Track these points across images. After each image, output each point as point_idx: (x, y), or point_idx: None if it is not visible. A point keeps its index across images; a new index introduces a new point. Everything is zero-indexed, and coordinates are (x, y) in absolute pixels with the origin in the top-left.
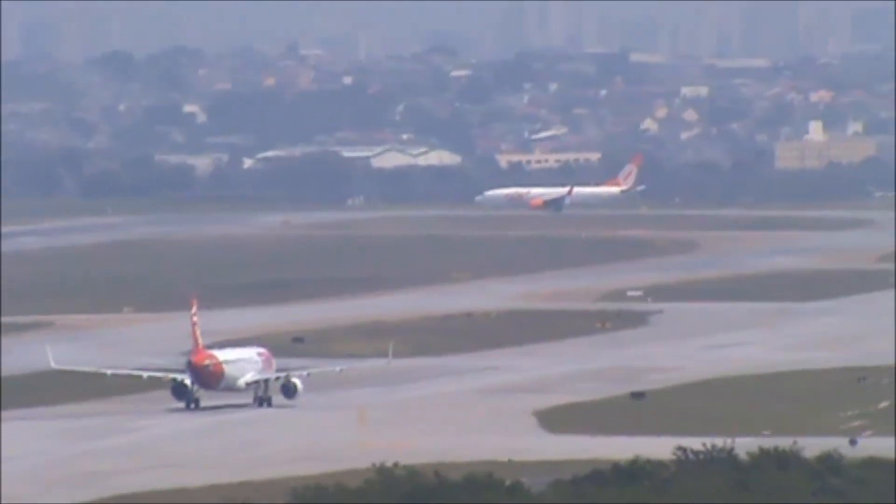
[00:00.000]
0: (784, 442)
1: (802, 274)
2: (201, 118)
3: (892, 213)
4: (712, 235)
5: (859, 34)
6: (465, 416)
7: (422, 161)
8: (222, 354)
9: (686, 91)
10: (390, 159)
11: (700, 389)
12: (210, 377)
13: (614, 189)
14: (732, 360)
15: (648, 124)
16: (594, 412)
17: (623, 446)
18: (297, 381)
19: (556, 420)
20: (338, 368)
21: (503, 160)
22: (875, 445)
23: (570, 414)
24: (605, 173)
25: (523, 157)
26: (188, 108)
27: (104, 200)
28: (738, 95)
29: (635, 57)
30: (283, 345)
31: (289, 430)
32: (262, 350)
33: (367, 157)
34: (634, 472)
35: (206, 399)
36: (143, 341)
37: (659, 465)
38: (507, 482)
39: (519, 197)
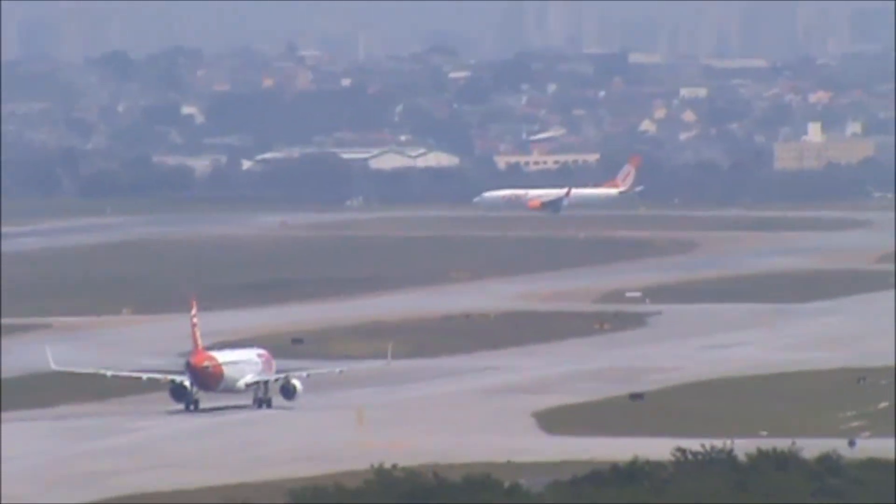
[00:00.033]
0: (783, 443)
1: (801, 274)
2: (200, 119)
3: (891, 214)
4: (711, 236)
5: (858, 35)
6: (464, 416)
7: (420, 162)
8: (222, 356)
9: (685, 92)
10: (389, 160)
11: (699, 390)
12: (209, 379)
13: (612, 190)
14: (731, 360)
15: (647, 125)
16: (593, 413)
17: (622, 447)
18: (296, 382)
19: (554, 421)
20: (337, 370)
21: (501, 161)
22: (874, 446)
23: (569, 415)
24: (604, 174)
25: (522, 159)
26: (187, 109)
27: (103, 201)
28: (737, 96)
29: (634, 58)
30: (282, 346)
31: (288, 430)
32: (261, 351)
33: (366, 159)
34: (633, 473)
35: (206, 400)
36: (142, 342)
37: (658, 465)
38: (506, 483)
39: (517, 198)
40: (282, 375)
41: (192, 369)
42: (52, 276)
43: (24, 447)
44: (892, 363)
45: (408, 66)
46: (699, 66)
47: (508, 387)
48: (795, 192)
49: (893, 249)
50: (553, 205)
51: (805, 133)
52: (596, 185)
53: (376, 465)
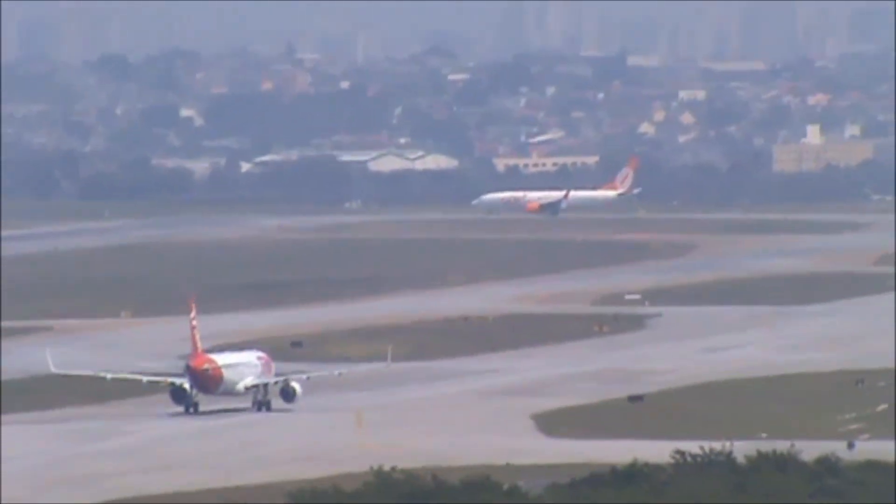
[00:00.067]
0: (782, 445)
1: (800, 276)
2: (198, 121)
3: (890, 216)
4: (710, 238)
5: (857, 36)
6: (463, 418)
7: (419, 164)
8: (221, 358)
9: (683, 94)
10: (387, 163)
11: (698, 392)
12: (209, 381)
13: (611, 192)
14: (731, 362)
15: (646, 127)
16: (592, 415)
17: (621, 449)
18: (296, 385)
19: (553, 423)
20: (337, 372)
21: (500, 164)
22: (873, 448)
23: (568, 417)
24: (603, 176)
25: (521, 161)
26: (185, 112)
27: (102, 203)
28: (736, 98)
29: (633, 60)
30: (281, 348)
31: (287, 432)
32: (261, 354)
33: (365, 161)
34: (632, 475)
35: (206, 403)
36: (142, 345)
37: (657, 468)
38: (505, 485)
39: (515, 200)
40: (281, 378)
41: (191, 372)
42: (51, 279)
43: (23, 449)
44: (891, 365)
45: (406, 68)
46: (698, 69)
47: (507, 389)
48: (794, 194)
49: (892, 251)
50: (551, 207)
51: (804, 135)
52: (594, 188)
53: (375, 467)
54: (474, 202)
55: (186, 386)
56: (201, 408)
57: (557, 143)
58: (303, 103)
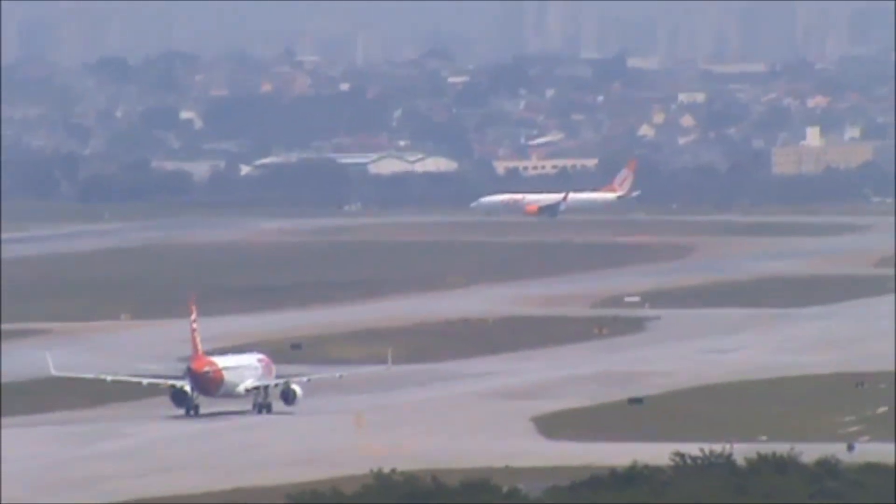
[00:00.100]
0: (782, 447)
1: (800, 278)
2: (198, 124)
3: (890, 218)
4: (709, 240)
5: (856, 37)
6: (463, 421)
7: (419, 167)
8: (222, 361)
9: (683, 96)
10: (387, 165)
11: (698, 394)
12: (210, 384)
13: (610, 195)
14: (730, 365)
15: (646, 130)
16: (592, 418)
17: (621, 451)
18: (296, 387)
19: (553, 425)
20: (337, 374)
21: (500, 166)
22: (872, 451)
23: (568, 419)
24: (603, 179)
25: (520, 163)
26: (185, 114)
27: (101, 206)
28: (735, 100)
29: (632, 62)
30: (280, 351)
31: (286, 434)
32: (261, 356)
33: (364, 164)
34: (632, 478)
35: (206, 405)
36: (141, 347)
37: (657, 470)
38: (505, 488)
39: (514, 203)
40: (282, 380)
41: (192, 374)
42: (51, 281)
43: (23, 451)
44: (891, 368)
45: (406, 70)
46: (697, 71)
47: (507, 391)
48: (794, 196)
49: (892, 253)
50: (550, 209)
51: (803, 137)
52: (593, 190)
53: (375, 470)
54: (473, 204)
55: (187, 388)
56: (202, 410)
57: (557, 145)
58: (302, 105)
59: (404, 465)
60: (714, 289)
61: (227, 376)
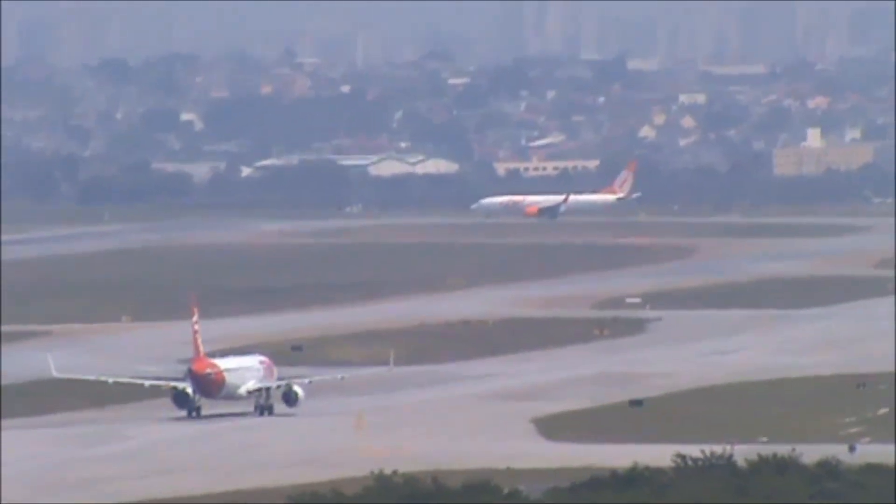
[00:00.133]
0: (783, 448)
1: (800, 280)
2: (198, 125)
3: (890, 219)
4: (710, 241)
5: (857, 38)
6: (464, 422)
7: (419, 169)
8: (224, 363)
9: (683, 98)
10: (387, 167)
11: (699, 396)
12: (211, 385)
13: (610, 196)
14: (731, 366)
15: (646, 131)
16: (592, 419)
17: (621, 453)
18: (298, 389)
19: (554, 427)
20: (339, 376)
21: (501, 168)
22: (874, 452)
23: (569, 421)
24: (604, 180)
25: (521, 165)
26: (185, 116)
27: (101, 207)
28: (735, 102)
29: (632, 64)
30: (281, 353)
31: (287, 436)
32: (263, 358)
33: (365, 165)
34: (633, 479)
35: (208, 407)
36: (142, 349)
37: (657, 471)
38: (505, 489)
39: (514, 204)
40: (283, 382)
41: (193, 376)
42: (51, 283)
43: (24, 453)
44: (892, 369)
45: (406, 72)
46: (698, 72)
47: (508, 393)
48: (794, 197)
49: (893, 255)
50: (550, 211)
51: (804, 138)
52: (594, 192)
53: (375, 471)
54: (473, 206)
55: (189, 390)
56: (203, 412)
57: (558, 146)
58: (303, 107)
59: (405, 466)
60: (715, 290)
61: (229, 378)
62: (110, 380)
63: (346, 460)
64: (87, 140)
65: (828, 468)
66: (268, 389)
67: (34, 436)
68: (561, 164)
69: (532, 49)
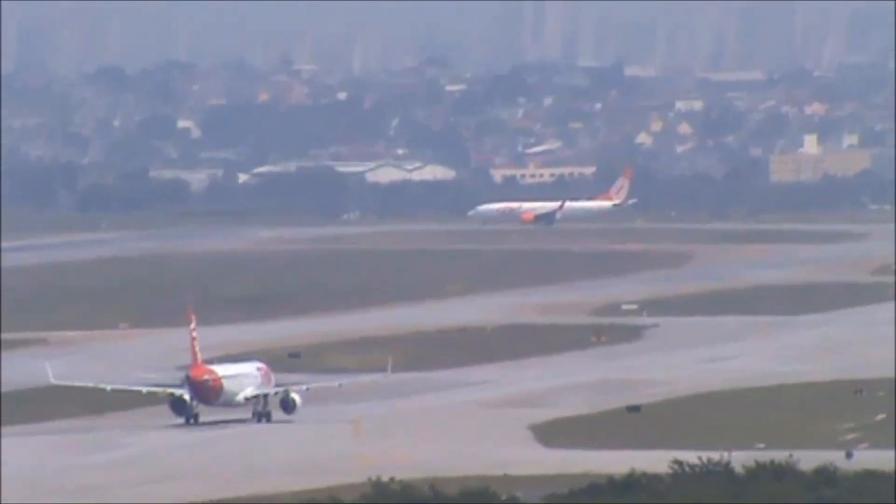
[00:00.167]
0: (780, 455)
1: (798, 286)
2: (196, 133)
3: (888, 226)
4: (707, 248)
5: (854, 45)
6: (461, 429)
7: (416, 175)
8: (221, 369)
9: (680, 104)
10: (385, 174)
11: (696, 402)
12: (209, 392)
13: (606, 203)
14: (728, 372)
15: (643, 138)
16: (589, 426)
17: (619, 460)
18: (295, 396)
19: (551, 434)
20: (337, 383)
21: (498, 174)
22: (871, 458)
23: (566, 427)
24: (601, 187)
25: (518, 171)
26: (183, 123)
27: (99, 215)
28: (733, 108)
29: (629, 70)
30: (279, 360)
31: (284, 443)
32: (260, 365)
33: (362, 172)
34: (630, 486)
35: (206, 414)
36: (140, 356)
37: (655, 478)
38: (503, 496)
39: (511, 211)
40: (281, 389)
41: (191, 383)
42: (48, 290)
43: (23, 460)
44: (890, 375)
45: (403, 79)
46: (695, 79)
47: (505, 399)
48: (792, 203)
49: (891, 261)
50: (546, 217)
51: (801, 145)
52: (590, 198)
53: (373, 478)
54: (470, 213)
55: (186, 397)
56: (201, 419)
57: (555, 153)
58: (300, 114)
59: (402, 473)
60: (712, 296)
61: (227, 385)
62: (108, 387)
63: (344, 467)
64: (85, 148)
65: (825, 474)
66: (265, 396)
67: (32, 443)
68: (558, 170)
69: (529, 56)
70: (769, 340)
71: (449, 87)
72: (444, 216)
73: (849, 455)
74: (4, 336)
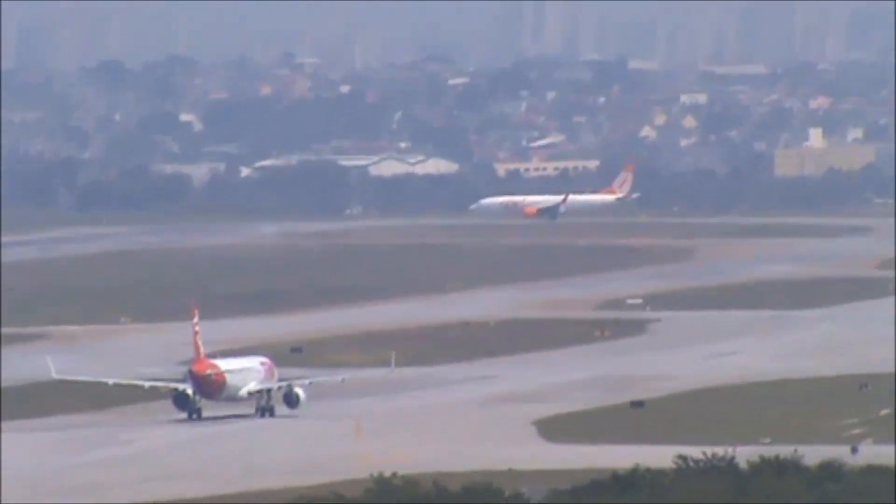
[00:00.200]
0: (785, 450)
1: (802, 281)
2: (197, 127)
3: (892, 220)
4: (711, 243)
5: (858, 39)
6: (464, 425)
7: (419, 169)
8: (224, 364)
9: (684, 98)
10: (387, 168)
11: (700, 397)
12: (212, 387)
13: (609, 197)
14: (732, 367)
15: (647, 132)
16: (593, 421)
17: (623, 455)
18: (299, 390)
19: (555, 429)
20: (340, 378)
21: (501, 168)
22: (876, 453)
23: (570, 423)
24: (604, 181)
25: (521, 165)
26: (184, 118)
27: (100, 211)
28: (737, 102)
29: (633, 64)
30: (281, 355)
31: (287, 439)
32: (264, 359)
33: (365, 166)
34: (634, 481)
35: (208, 409)
36: (141, 351)
37: (659, 473)
38: (507, 491)
39: (514, 205)
40: (284, 383)
41: (194, 377)
42: (50, 286)
43: (24, 456)
44: (894, 370)
45: (406, 73)
46: (698, 73)
47: (508, 395)
48: (796, 198)
49: (894, 256)
50: (549, 211)
51: (806, 139)
52: (593, 192)
53: (376, 474)
54: (472, 207)
55: (189, 392)
56: (204, 413)
57: (558, 147)
58: (302, 108)
59: (405, 468)
60: (716, 291)
61: (230, 379)
62: (110, 382)
63: (347, 463)
64: (86, 143)
65: (830, 470)
66: (269, 391)
67: (34, 438)
68: (561, 164)
69: (532, 50)
70: (773, 335)
71: (451, 81)
72: (447, 210)
73: (854, 450)
74: (6, 331)
